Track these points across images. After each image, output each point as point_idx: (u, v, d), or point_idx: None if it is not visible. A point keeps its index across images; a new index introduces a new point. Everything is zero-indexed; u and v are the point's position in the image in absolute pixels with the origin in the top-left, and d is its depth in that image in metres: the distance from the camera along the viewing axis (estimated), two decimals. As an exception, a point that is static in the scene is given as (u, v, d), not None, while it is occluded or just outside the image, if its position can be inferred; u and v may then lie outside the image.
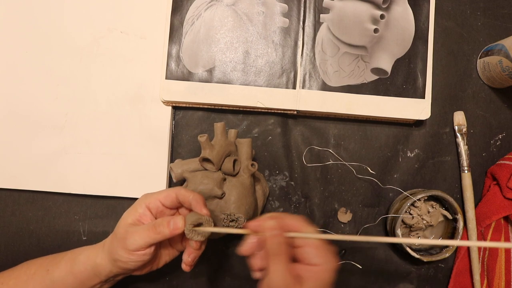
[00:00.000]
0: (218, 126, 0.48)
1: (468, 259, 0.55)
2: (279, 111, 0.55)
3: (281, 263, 0.36)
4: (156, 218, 0.43)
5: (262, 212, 0.55)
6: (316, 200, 0.55)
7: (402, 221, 0.53)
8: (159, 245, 0.45)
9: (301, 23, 0.54)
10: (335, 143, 0.56)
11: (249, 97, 0.53)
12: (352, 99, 0.53)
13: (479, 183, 0.56)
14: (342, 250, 0.55)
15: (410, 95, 0.54)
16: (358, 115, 0.54)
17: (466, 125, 0.56)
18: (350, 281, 0.55)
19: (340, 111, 0.53)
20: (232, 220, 0.47)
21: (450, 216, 0.53)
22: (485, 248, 0.54)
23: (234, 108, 0.55)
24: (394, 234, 0.51)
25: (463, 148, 0.55)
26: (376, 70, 0.54)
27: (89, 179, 0.53)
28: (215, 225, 0.43)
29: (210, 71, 0.54)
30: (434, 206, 0.53)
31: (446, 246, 0.52)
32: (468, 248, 0.54)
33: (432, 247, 0.54)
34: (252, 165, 0.49)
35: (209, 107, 0.55)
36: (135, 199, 0.45)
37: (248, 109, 0.55)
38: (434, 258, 0.51)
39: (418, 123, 0.56)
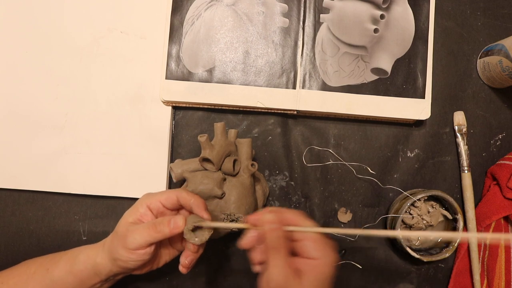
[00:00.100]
0: (218, 126, 0.48)
1: (468, 259, 0.55)
2: (279, 111, 0.55)
3: (280, 256, 0.36)
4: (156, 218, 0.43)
5: (262, 212, 0.55)
6: (316, 200, 0.55)
7: (402, 221, 0.53)
8: (159, 245, 0.45)
9: (301, 23, 0.54)
10: (335, 143, 0.56)
11: (249, 97, 0.53)
12: (352, 99, 0.53)
13: (479, 183, 0.56)
14: (342, 250, 0.55)
15: (410, 95, 0.54)
16: (358, 115, 0.54)
17: (466, 125, 0.56)
18: (350, 281, 0.55)
19: (340, 111, 0.53)
20: (232, 220, 0.47)
21: (450, 216, 0.53)
22: (485, 248, 0.54)
23: (234, 108, 0.55)
24: (394, 234, 0.52)
25: (463, 148, 0.55)
26: (376, 70, 0.54)
27: (89, 179, 0.54)
28: None
29: (210, 71, 0.54)
30: (434, 206, 0.53)
31: (446, 246, 0.52)
32: (468, 248, 0.54)
33: (432, 247, 0.54)
34: (252, 165, 0.49)
35: (209, 107, 0.55)
36: (135, 199, 0.45)
37: (248, 109, 0.55)
38: (434, 258, 0.51)
39: (418, 123, 0.56)
